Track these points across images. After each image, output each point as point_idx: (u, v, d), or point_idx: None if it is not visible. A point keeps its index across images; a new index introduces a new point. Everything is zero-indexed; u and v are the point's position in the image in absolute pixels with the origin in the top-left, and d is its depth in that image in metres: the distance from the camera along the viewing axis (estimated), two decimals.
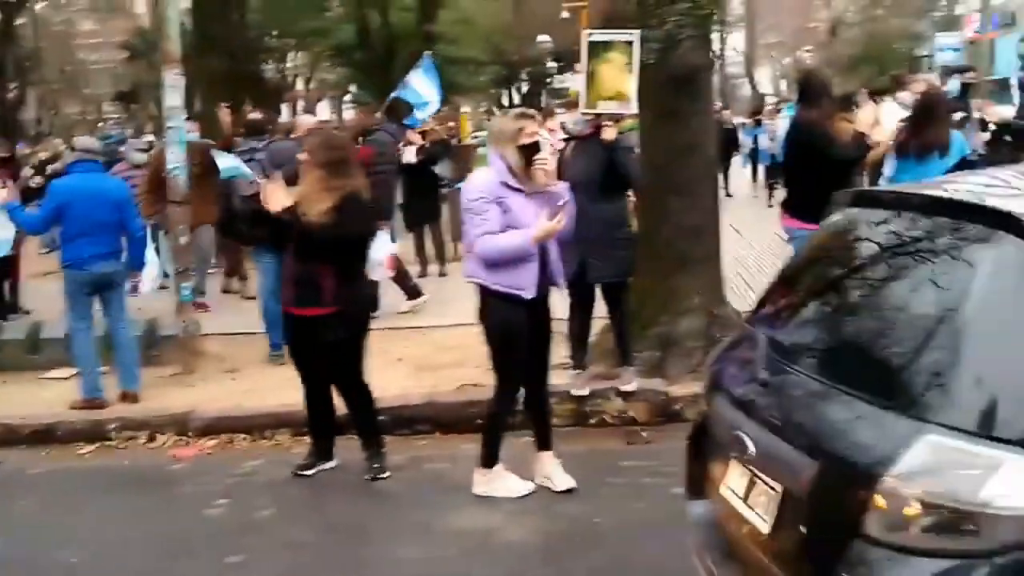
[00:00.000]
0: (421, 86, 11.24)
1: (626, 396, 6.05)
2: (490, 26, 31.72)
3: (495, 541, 4.44)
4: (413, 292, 8.89)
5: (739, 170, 18.69)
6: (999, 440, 2.01)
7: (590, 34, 6.11)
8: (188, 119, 8.89)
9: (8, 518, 5.12)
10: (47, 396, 6.88)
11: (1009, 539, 1.98)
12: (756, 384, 2.74)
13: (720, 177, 11.77)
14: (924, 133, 6.12)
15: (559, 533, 4.49)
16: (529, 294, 4.63)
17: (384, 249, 5.57)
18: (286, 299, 5.16)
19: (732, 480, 2.77)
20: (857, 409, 2.30)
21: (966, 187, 2.63)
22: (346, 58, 29.49)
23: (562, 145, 6.22)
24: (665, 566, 3.89)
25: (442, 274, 10.55)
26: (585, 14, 19.46)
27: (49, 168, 12.13)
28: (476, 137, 16.24)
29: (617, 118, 5.88)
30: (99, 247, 6.47)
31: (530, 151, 4.59)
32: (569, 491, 4.86)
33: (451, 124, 14.17)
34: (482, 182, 4.69)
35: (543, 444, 5.00)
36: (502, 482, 4.90)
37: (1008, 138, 8.51)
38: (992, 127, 9.00)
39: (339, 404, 5.37)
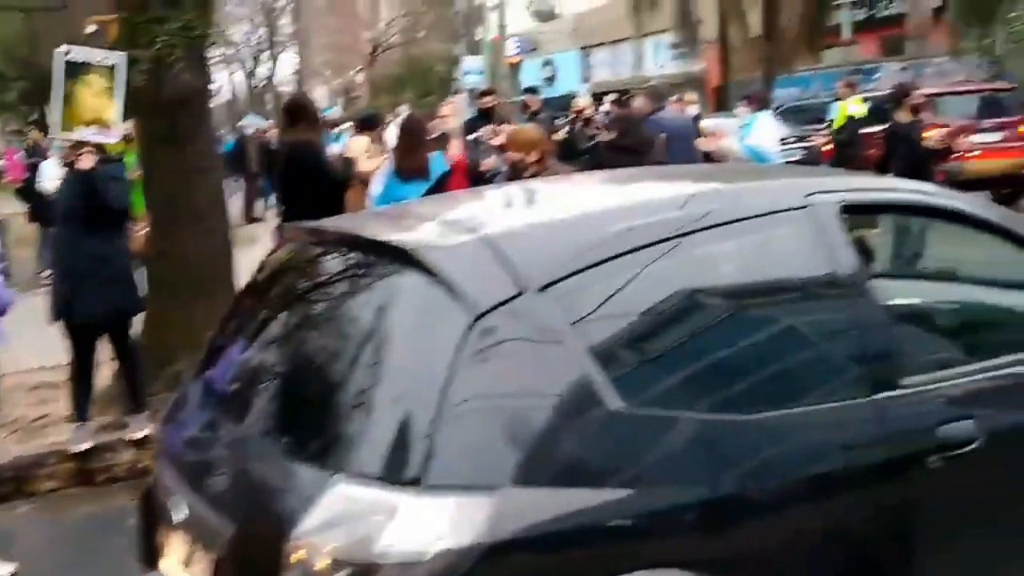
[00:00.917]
0: None
1: (139, 444, 5.55)
2: (12, 38, 28.58)
3: None
4: None
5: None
6: (399, 483, 1.93)
7: (67, 52, 5.54)
8: None
9: None
10: None
11: None
12: (192, 443, 2.52)
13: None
14: (408, 157, 6.32)
15: None
16: None
17: None
18: None
19: (174, 549, 2.52)
20: (278, 463, 2.16)
21: (388, 218, 2.60)
22: None
23: None
24: None
25: None
26: (113, 27, 18.13)
27: None
28: None
29: (99, 144, 5.39)
30: None
31: None
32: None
33: None
34: None
35: None
36: None
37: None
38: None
39: None
